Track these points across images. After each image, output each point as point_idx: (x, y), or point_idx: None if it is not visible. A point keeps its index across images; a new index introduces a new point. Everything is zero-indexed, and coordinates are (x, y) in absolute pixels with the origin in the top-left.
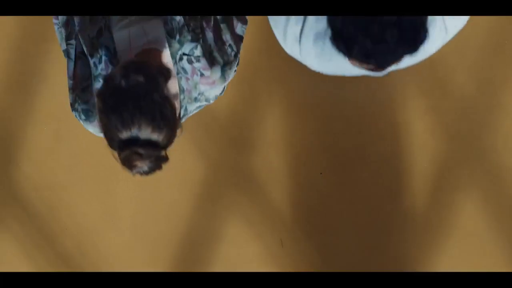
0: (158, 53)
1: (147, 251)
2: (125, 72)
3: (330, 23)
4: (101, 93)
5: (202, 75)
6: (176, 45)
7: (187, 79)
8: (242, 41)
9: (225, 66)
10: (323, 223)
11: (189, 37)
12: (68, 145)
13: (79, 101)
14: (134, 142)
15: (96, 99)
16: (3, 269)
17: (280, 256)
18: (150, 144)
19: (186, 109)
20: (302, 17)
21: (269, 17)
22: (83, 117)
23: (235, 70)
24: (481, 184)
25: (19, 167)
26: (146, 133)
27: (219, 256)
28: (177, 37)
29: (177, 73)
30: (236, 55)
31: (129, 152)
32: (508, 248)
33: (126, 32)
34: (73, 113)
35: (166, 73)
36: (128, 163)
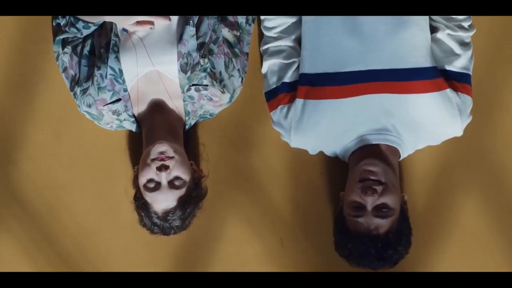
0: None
1: (147, 251)
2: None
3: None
4: None
5: (210, 99)
6: (185, 81)
7: (193, 103)
8: (248, 57)
9: (234, 92)
10: (323, 223)
11: (200, 75)
12: (68, 145)
13: (82, 105)
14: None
15: None
16: (3, 269)
17: (280, 256)
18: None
19: (190, 124)
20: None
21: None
22: (89, 117)
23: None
24: (481, 184)
25: (19, 167)
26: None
27: (219, 256)
28: (188, 73)
29: (184, 101)
30: (243, 79)
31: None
32: (508, 248)
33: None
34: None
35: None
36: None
